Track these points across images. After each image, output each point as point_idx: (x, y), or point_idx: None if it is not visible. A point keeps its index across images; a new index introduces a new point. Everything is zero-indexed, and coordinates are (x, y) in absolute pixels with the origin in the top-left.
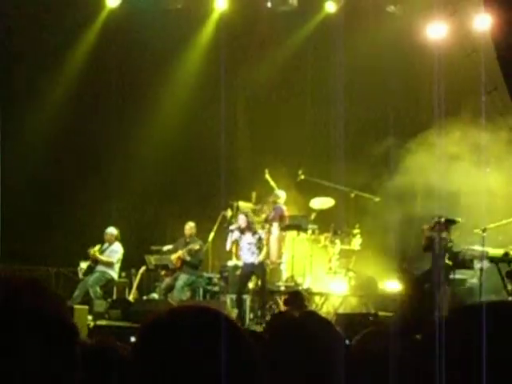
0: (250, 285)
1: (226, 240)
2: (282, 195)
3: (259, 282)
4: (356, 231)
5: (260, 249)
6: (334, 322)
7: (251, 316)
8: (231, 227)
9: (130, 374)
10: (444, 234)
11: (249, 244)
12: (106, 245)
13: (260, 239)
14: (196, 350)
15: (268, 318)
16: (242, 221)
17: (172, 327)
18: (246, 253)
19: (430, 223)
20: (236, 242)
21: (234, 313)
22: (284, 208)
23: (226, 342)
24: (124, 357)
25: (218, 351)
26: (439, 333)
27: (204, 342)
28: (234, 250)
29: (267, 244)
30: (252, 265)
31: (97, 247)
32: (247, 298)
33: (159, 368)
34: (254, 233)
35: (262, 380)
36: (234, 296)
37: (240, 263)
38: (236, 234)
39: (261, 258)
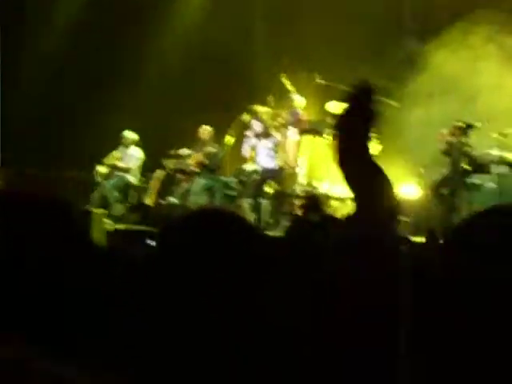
0: (268, 189)
1: (242, 147)
2: (298, 99)
3: (277, 187)
4: (374, 136)
5: (277, 152)
6: None
7: (269, 220)
8: (247, 133)
9: (148, 272)
10: (462, 139)
11: (267, 149)
12: (121, 148)
13: (276, 143)
14: (212, 250)
15: (283, 222)
16: (256, 126)
17: (189, 230)
18: (264, 158)
19: (449, 128)
20: (253, 148)
21: (251, 217)
22: (300, 112)
23: (241, 242)
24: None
25: (233, 251)
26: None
27: (219, 242)
28: (251, 155)
29: (284, 148)
30: (271, 170)
31: (117, 153)
32: (264, 202)
33: (177, 266)
34: (270, 136)
35: (275, 282)
36: (251, 200)
37: (258, 167)
38: (253, 140)
39: (279, 162)
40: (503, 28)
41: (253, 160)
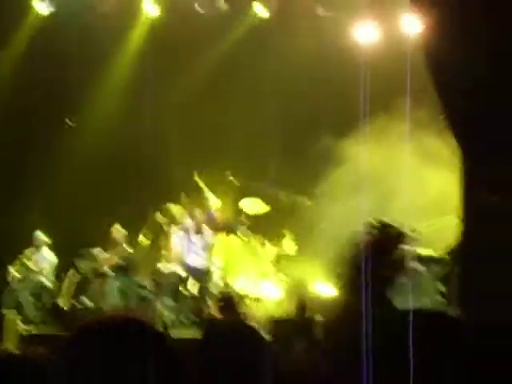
0: (186, 288)
1: (167, 241)
2: (213, 199)
3: (194, 286)
4: (286, 233)
5: (205, 252)
6: (268, 327)
7: (185, 321)
8: (174, 228)
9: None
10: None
11: (196, 247)
12: (33, 250)
13: (206, 242)
14: (121, 357)
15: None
16: (189, 221)
17: (99, 337)
18: (191, 255)
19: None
20: (180, 243)
21: (166, 317)
22: (216, 213)
23: (150, 350)
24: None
25: (142, 359)
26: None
27: (128, 350)
28: (173, 252)
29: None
30: (191, 268)
31: (28, 253)
32: (182, 302)
33: (84, 373)
34: (201, 234)
35: None
36: (166, 300)
37: (175, 268)
38: (180, 235)
39: (204, 263)
40: (422, 125)
41: (176, 257)
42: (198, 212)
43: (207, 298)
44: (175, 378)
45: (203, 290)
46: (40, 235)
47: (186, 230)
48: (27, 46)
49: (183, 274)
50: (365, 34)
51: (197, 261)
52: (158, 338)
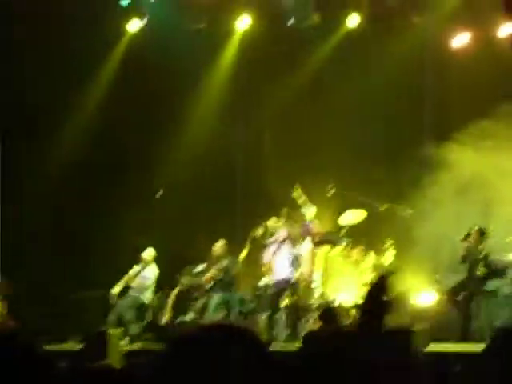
0: (284, 302)
1: (263, 254)
2: (309, 212)
3: (293, 299)
4: (388, 244)
5: (297, 265)
6: None
7: (285, 334)
8: (269, 240)
9: None
10: (479, 244)
11: (286, 257)
12: (141, 266)
13: (298, 255)
14: (220, 368)
15: (302, 335)
16: (283, 232)
17: (197, 344)
18: (280, 266)
19: (465, 234)
20: (274, 255)
21: (268, 332)
22: (312, 225)
23: (250, 360)
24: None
25: (241, 369)
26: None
27: (228, 360)
28: (269, 265)
29: (302, 261)
30: (285, 281)
31: (136, 270)
32: (282, 315)
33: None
34: (294, 246)
35: None
36: (267, 315)
37: (271, 281)
38: (274, 247)
39: (296, 274)
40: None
41: (270, 270)
42: (294, 225)
43: (299, 311)
44: None
45: (299, 303)
46: (150, 252)
47: (279, 243)
48: (122, 64)
49: (280, 286)
50: (459, 39)
51: (287, 273)
52: (257, 348)
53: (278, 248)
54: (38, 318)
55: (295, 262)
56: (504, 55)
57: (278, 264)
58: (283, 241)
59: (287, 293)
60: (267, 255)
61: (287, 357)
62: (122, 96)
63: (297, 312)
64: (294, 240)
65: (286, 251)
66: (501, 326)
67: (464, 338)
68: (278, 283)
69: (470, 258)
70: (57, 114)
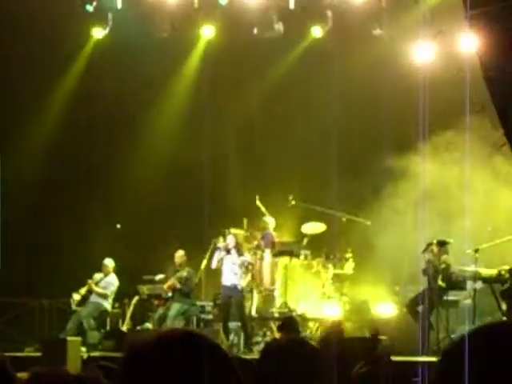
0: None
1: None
2: (270, 221)
3: (237, 308)
4: (348, 255)
5: (244, 272)
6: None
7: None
8: (218, 245)
9: None
10: (441, 256)
11: (232, 264)
12: (101, 275)
13: (245, 263)
14: (181, 375)
15: (255, 344)
16: (230, 240)
17: (157, 352)
18: (227, 273)
19: (425, 245)
20: (221, 261)
21: (228, 340)
22: (273, 234)
23: (211, 365)
24: None
25: (202, 375)
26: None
27: (189, 366)
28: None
29: (259, 271)
30: (230, 288)
31: (95, 278)
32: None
33: None
34: (240, 254)
35: None
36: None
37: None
38: (222, 253)
39: (242, 282)
40: (485, 142)
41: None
42: (258, 235)
43: (266, 321)
44: None
45: (244, 312)
46: (109, 261)
47: (226, 248)
48: (86, 68)
49: (226, 294)
50: (422, 52)
51: (233, 280)
52: (215, 351)
53: (225, 255)
54: None
55: (242, 269)
56: (468, 68)
57: (225, 271)
58: (230, 249)
59: (232, 300)
60: (214, 261)
61: (248, 365)
62: (86, 103)
63: (245, 322)
64: (239, 248)
65: (232, 259)
66: (455, 338)
67: (423, 350)
68: (224, 290)
69: (431, 270)
70: (16, 120)
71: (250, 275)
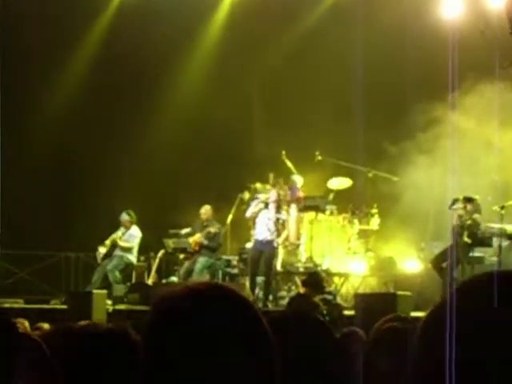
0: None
1: (248, 208)
2: (298, 180)
3: (265, 263)
4: (374, 211)
5: (277, 229)
6: (353, 302)
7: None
8: (258, 195)
9: (143, 351)
10: (467, 213)
11: (268, 219)
12: (123, 229)
13: (280, 220)
14: (210, 328)
15: (280, 299)
16: (272, 195)
17: (188, 303)
18: (261, 227)
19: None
20: (256, 214)
21: (253, 294)
22: (299, 190)
23: (239, 318)
24: (136, 342)
25: (231, 327)
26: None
27: (217, 318)
28: (251, 222)
29: (286, 226)
30: (263, 242)
31: (119, 233)
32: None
33: (172, 346)
34: (278, 211)
35: (277, 364)
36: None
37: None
38: (260, 205)
39: (275, 238)
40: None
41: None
42: (284, 190)
43: (291, 275)
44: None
45: (271, 267)
46: (125, 215)
47: (267, 205)
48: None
49: (257, 248)
50: (450, 8)
51: (266, 234)
52: (244, 304)
53: (262, 208)
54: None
55: (276, 226)
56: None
57: (259, 225)
58: (269, 203)
59: (264, 254)
60: (250, 211)
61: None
62: (111, 59)
63: (269, 276)
64: (279, 204)
65: (269, 214)
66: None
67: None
68: (256, 244)
69: (457, 226)
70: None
71: (285, 233)
